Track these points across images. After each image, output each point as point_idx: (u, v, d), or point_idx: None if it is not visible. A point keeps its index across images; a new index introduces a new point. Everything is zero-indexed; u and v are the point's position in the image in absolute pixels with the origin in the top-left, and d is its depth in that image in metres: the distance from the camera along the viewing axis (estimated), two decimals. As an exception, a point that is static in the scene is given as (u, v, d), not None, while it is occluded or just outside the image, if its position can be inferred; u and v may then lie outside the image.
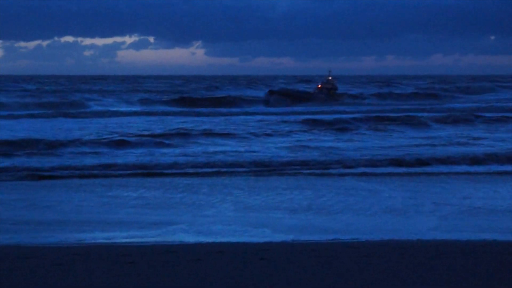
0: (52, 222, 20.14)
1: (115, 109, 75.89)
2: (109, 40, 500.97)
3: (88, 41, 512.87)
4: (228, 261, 13.67)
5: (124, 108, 77.32)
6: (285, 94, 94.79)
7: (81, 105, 78.31)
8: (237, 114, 70.47)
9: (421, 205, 23.02)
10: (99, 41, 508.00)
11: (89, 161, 34.17)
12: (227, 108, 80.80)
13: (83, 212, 21.77)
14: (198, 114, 69.14)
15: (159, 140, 42.80)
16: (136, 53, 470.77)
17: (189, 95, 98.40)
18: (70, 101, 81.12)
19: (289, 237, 17.65)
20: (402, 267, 13.15)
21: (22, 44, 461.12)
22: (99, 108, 75.78)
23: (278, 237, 17.66)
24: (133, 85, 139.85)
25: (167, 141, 42.44)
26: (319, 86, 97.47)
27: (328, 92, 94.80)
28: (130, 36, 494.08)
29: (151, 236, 17.88)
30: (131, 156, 36.57)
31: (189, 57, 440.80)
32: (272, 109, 79.06)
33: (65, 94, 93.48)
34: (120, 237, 17.79)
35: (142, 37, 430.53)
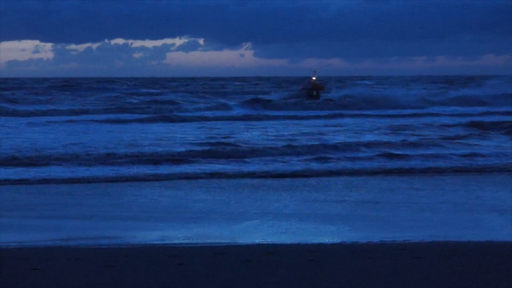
0: (104, 221, 20.23)
1: (245, 111, 72.13)
2: (158, 42, 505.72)
3: (138, 43, 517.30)
4: (277, 262, 13.58)
5: (243, 111, 72.33)
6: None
7: (225, 108, 75.60)
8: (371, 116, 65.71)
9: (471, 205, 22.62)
10: (149, 43, 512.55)
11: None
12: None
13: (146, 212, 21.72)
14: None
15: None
16: (185, 55, 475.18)
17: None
18: (216, 104, 77.91)
19: (339, 238, 17.50)
20: (455, 269, 12.96)
21: (73, 46, 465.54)
22: (244, 112, 70.90)
23: (329, 238, 17.51)
24: (215, 88, 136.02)
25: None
26: (301, 87, 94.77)
27: (307, 92, 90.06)
28: (180, 38, 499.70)
29: (202, 237, 17.83)
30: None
31: (237, 58, 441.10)
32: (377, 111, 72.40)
33: (159, 96, 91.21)
34: (172, 238, 17.79)
35: (191, 39, 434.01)
